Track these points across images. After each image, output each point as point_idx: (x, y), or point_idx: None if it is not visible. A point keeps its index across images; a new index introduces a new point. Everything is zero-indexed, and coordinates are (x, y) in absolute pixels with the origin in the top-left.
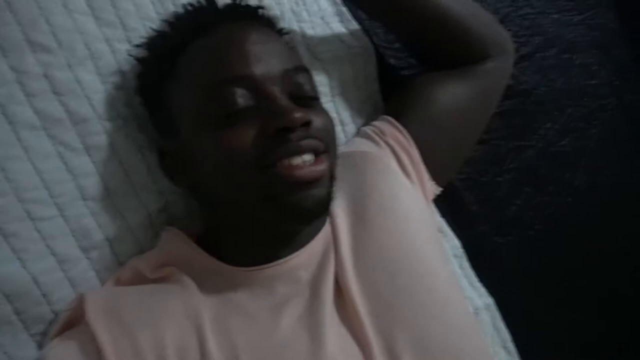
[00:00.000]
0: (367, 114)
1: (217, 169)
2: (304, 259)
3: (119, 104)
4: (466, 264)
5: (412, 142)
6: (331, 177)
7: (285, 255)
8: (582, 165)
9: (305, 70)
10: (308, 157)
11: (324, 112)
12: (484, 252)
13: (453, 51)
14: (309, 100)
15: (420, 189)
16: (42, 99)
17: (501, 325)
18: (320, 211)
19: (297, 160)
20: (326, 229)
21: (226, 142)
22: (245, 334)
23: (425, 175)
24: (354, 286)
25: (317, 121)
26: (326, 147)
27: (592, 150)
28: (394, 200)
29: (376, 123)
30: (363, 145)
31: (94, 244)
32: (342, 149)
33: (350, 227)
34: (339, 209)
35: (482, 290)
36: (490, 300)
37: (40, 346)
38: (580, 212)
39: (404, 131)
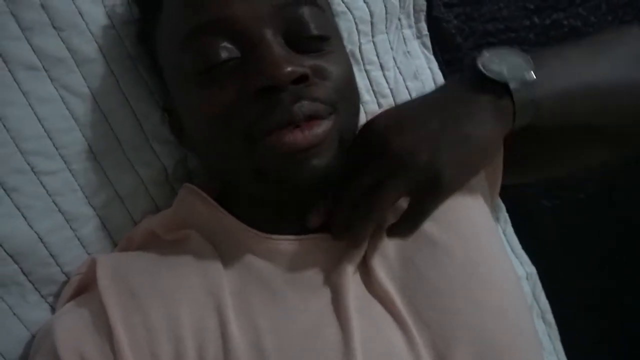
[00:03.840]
0: (416, 57)
1: (203, 137)
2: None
3: (127, 42)
4: (510, 230)
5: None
6: (340, 140)
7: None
8: None
9: (311, 2)
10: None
11: (337, 58)
12: (530, 216)
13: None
14: (315, 42)
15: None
16: (40, 34)
17: (541, 295)
18: (320, 182)
19: (287, 129)
20: None
21: (206, 106)
22: (270, 315)
23: (499, 172)
24: (382, 269)
25: (322, 66)
26: (332, 109)
27: None
28: None
29: None
30: None
31: (104, 201)
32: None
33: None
34: None
35: (525, 258)
36: (532, 269)
37: (53, 308)
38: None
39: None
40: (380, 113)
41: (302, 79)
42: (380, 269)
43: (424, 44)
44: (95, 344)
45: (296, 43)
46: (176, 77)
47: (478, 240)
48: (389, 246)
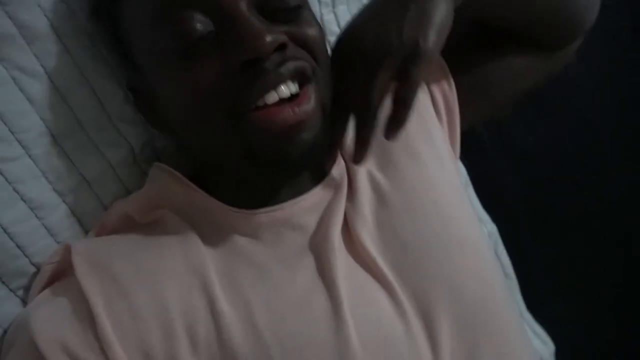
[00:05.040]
0: None
1: (183, 116)
2: (313, 202)
3: (81, 17)
4: (471, 191)
5: (454, 92)
6: (322, 110)
7: (291, 198)
8: (596, 95)
9: None
10: (286, 91)
11: (309, 24)
12: (490, 178)
13: (544, 36)
14: (288, 12)
15: (447, 136)
16: None
17: (502, 252)
18: (309, 158)
19: (272, 98)
20: (340, 168)
21: (187, 84)
22: (258, 290)
23: (458, 127)
24: (367, 235)
25: (298, 33)
26: (312, 67)
27: (607, 79)
28: (424, 143)
29: None
30: None
31: (71, 187)
32: None
33: (370, 167)
34: None
35: (486, 217)
36: (493, 228)
37: (24, 302)
38: (589, 137)
39: (451, 79)
40: (339, 34)
41: (281, 47)
42: (364, 233)
43: None
44: (77, 333)
45: (269, 13)
46: (148, 55)
47: (450, 201)
48: (367, 212)
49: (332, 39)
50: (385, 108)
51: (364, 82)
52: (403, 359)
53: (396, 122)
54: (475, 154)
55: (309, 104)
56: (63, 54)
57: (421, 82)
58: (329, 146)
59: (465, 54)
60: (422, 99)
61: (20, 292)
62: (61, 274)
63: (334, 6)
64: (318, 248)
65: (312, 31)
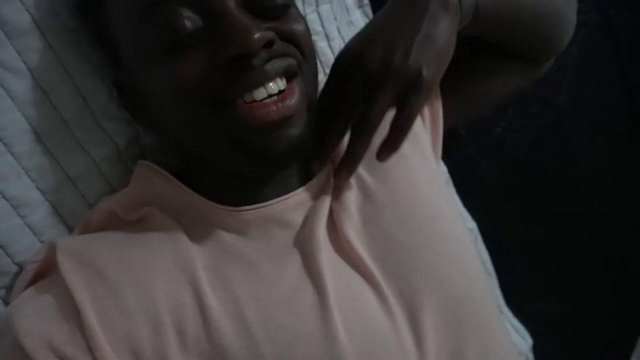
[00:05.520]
0: (358, 27)
1: (170, 110)
2: (299, 200)
3: (64, 13)
4: (452, 189)
5: (440, 100)
6: (308, 105)
7: (278, 196)
8: (564, 84)
9: None
10: (274, 88)
11: (296, 20)
12: (469, 175)
13: (528, 53)
14: (276, 10)
15: (430, 139)
16: None
17: (482, 248)
18: (296, 153)
19: (261, 94)
20: (326, 167)
21: (173, 76)
22: (247, 285)
23: (441, 132)
24: (353, 232)
25: (285, 28)
26: (299, 61)
27: (573, 69)
28: (410, 144)
29: None
30: None
31: (54, 185)
32: None
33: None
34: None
35: (467, 215)
36: (473, 225)
37: (6, 302)
38: (562, 132)
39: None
40: (344, 46)
41: (269, 44)
42: (349, 229)
43: (365, 13)
44: (64, 331)
45: (256, 11)
46: (134, 50)
47: (435, 199)
48: (353, 209)
49: (315, 38)
50: (382, 128)
51: (366, 99)
52: (388, 353)
53: (390, 147)
54: (455, 151)
55: (293, 99)
56: (46, 50)
57: (420, 112)
58: (321, 152)
59: (454, 63)
60: None
61: (2, 292)
62: (45, 273)
63: (317, 5)
64: (304, 245)
65: (299, 26)
